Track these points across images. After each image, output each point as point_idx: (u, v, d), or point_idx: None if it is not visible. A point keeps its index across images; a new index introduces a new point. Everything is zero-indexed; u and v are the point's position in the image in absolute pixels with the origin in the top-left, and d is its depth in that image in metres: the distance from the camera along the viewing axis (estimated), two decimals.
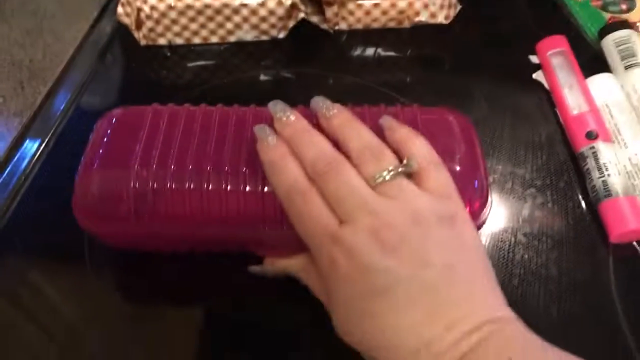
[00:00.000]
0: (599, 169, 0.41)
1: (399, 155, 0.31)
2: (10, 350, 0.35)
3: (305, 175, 0.30)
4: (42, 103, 0.49)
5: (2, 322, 0.37)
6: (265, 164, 0.31)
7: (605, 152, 0.41)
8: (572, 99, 0.46)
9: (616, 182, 0.40)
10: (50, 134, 0.47)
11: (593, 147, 0.42)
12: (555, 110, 0.47)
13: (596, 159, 0.41)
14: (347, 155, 0.30)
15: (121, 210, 0.32)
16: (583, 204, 0.42)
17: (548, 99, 0.48)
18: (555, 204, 0.42)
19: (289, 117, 0.32)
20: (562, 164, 0.44)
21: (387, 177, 0.29)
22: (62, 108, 0.49)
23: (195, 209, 0.32)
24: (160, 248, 0.37)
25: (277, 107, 0.33)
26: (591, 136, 0.43)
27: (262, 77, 0.52)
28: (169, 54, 0.54)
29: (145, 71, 0.53)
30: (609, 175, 0.40)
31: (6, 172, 0.44)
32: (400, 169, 0.29)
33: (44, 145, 0.46)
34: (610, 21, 0.52)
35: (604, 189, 0.40)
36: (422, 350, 0.26)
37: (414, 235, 0.27)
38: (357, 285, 0.27)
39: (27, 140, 0.46)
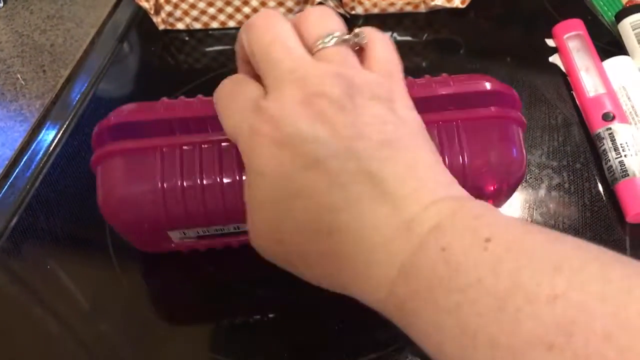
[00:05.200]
0: (616, 149, 0.41)
1: None
2: (27, 341, 0.36)
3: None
4: (62, 86, 0.50)
5: (20, 309, 0.37)
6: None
7: (622, 132, 0.41)
8: (588, 82, 0.46)
9: (633, 162, 0.40)
10: (70, 117, 0.47)
11: (610, 129, 0.42)
12: (571, 93, 0.47)
13: (613, 140, 0.41)
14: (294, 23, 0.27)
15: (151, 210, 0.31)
16: (599, 184, 0.42)
17: (565, 82, 0.48)
18: (572, 185, 0.42)
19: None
20: (579, 146, 0.44)
21: (330, 43, 0.25)
22: (82, 91, 0.49)
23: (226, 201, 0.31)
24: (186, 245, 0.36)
25: None
26: (608, 117, 0.43)
27: None
28: (187, 38, 0.54)
29: (163, 55, 0.54)
30: (625, 155, 0.40)
31: (28, 153, 0.45)
32: (346, 37, 0.26)
33: (64, 127, 0.47)
34: (627, 4, 0.52)
35: (621, 169, 0.40)
36: (369, 232, 0.22)
37: (347, 107, 0.23)
38: (283, 157, 0.23)
39: (48, 123, 0.47)
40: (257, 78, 0.27)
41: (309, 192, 0.23)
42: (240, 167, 0.31)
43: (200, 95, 0.33)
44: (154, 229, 0.32)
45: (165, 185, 0.30)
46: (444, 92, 0.32)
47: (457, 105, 0.32)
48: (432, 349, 0.21)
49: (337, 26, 0.26)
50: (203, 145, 0.31)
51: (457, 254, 0.20)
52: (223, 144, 0.31)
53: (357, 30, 0.27)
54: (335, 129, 0.23)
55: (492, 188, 0.33)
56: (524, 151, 0.33)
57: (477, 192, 0.28)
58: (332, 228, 0.23)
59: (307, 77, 0.24)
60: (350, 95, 0.24)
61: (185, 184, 0.31)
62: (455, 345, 0.20)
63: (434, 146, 0.25)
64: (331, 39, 0.25)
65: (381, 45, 0.27)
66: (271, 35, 0.25)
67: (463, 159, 0.31)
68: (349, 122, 0.23)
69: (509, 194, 0.35)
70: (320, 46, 0.25)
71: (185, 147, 0.31)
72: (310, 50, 0.25)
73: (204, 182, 0.31)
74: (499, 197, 0.34)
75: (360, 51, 0.27)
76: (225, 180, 0.31)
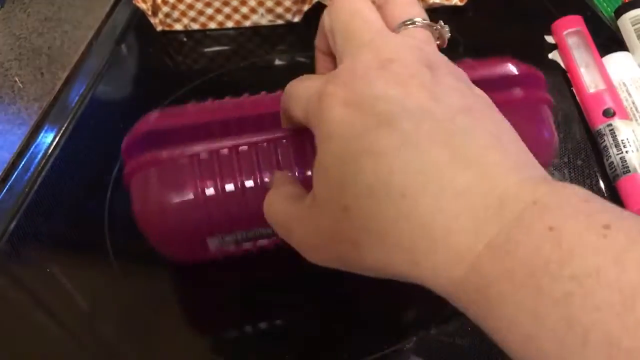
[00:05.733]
0: (617, 145, 0.41)
1: None
2: (27, 344, 0.35)
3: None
4: (61, 89, 0.49)
5: (19, 311, 0.37)
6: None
7: (622, 129, 0.41)
8: (588, 78, 0.46)
9: (634, 158, 0.40)
10: (68, 120, 0.47)
11: (610, 125, 0.42)
12: (571, 90, 0.47)
13: (614, 136, 0.41)
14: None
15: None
16: (601, 181, 0.42)
17: (564, 79, 0.48)
18: (573, 182, 0.41)
19: None
20: (579, 142, 0.44)
21: (413, 26, 0.25)
22: (80, 93, 0.49)
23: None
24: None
25: None
26: (608, 114, 0.42)
27: (277, 62, 0.53)
28: (185, 39, 0.54)
29: (161, 57, 0.53)
30: (627, 151, 0.40)
31: (26, 157, 0.45)
32: (430, 22, 0.25)
33: (63, 130, 0.46)
34: (626, 0, 0.52)
35: (622, 165, 0.40)
36: (449, 197, 0.19)
37: (424, 75, 0.22)
38: (354, 116, 0.22)
39: (47, 125, 0.47)
40: None
41: (379, 150, 0.21)
42: (279, 165, 0.30)
43: (228, 97, 0.33)
44: (194, 238, 0.32)
45: (204, 192, 0.30)
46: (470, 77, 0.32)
47: (484, 89, 0.32)
48: (516, 344, 0.18)
49: (422, 14, 0.26)
50: (240, 148, 0.30)
51: (570, 237, 0.17)
52: (260, 144, 0.31)
53: (441, 22, 0.26)
54: (410, 91, 0.21)
55: None
56: (554, 131, 0.32)
57: None
58: (405, 189, 0.20)
59: (386, 45, 0.23)
60: (429, 66, 0.23)
61: (224, 188, 0.30)
62: (556, 340, 0.17)
63: (511, 126, 0.23)
64: (416, 23, 0.25)
65: None
66: (352, 10, 0.25)
67: None
68: (426, 86, 0.21)
69: None
70: (402, 28, 0.25)
71: (221, 151, 0.30)
72: (390, 25, 0.25)
73: (244, 184, 0.30)
74: None
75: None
76: (265, 180, 0.30)
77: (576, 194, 0.19)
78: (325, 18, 0.27)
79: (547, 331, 0.17)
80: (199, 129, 0.31)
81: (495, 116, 0.23)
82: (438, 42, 0.26)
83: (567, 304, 0.17)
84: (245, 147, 0.30)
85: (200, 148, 0.30)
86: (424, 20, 0.25)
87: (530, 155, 0.22)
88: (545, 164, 0.32)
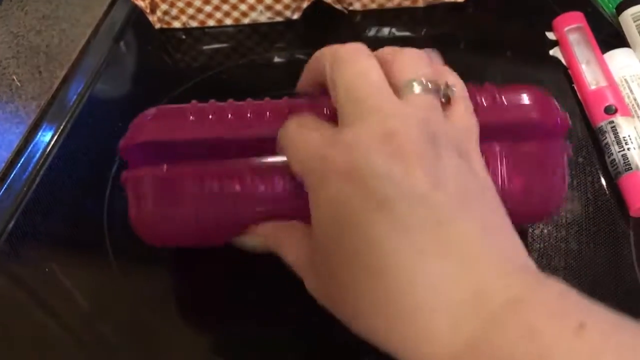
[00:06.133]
0: (619, 142, 0.40)
1: None
2: (26, 343, 0.35)
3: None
4: (59, 87, 0.49)
5: (19, 312, 0.36)
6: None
7: (624, 126, 0.41)
8: (589, 74, 0.46)
9: (636, 155, 0.39)
10: (67, 118, 0.47)
11: (612, 122, 0.42)
12: (573, 86, 0.47)
13: (615, 133, 0.41)
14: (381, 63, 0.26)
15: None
16: (602, 179, 0.41)
17: (565, 75, 0.48)
18: (575, 179, 0.41)
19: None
20: (581, 140, 0.44)
21: (418, 90, 0.24)
22: (78, 91, 0.49)
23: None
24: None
25: None
26: (610, 111, 0.42)
27: (277, 59, 0.52)
28: (183, 37, 0.54)
29: (159, 55, 0.53)
30: (629, 149, 0.40)
31: (24, 155, 0.44)
32: (436, 86, 0.25)
33: (61, 128, 0.46)
34: None
35: (624, 162, 0.39)
36: (428, 289, 0.20)
37: (427, 152, 0.22)
38: (350, 189, 0.22)
39: (45, 124, 0.47)
40: (320, 109, 0.27)
41: (367, 229, 0.21)
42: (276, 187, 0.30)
43: (231, 100, 0.32)
44: (188, 242, 0.33)
45: (199, 207, 0.30)
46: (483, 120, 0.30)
47: (496, 135, 0.30)
48: None
49: (428, 71, 0.25)
50: (238, 169, 0.30)
51: (547, 337, 0.18)
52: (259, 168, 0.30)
53: (449, 82, 0.27)
54: (410, 170, 0.22)
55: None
56: (566, 181, 0.32)
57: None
58: (384, 268, 0.21)
59: (391, 116, 0.23)
60: (432, 141, 0.23)
61: (220, 203, 0.30)
62: None
63: (505, 210, 0.24)
64: (421, 86, 0.25)
65: (466, 103, 0.27)
66: (357, 69, 0.24)
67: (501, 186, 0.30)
68: (427, 166, 0.22)
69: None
70: (410, 91, 0.24)
71: (219, 176, 0.30)
72: (398, 92, 0.25)
73: (240, 201, 0.30)
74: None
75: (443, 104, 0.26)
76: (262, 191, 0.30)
77: (552, 290, 0.20)
78: (327, 68, 0.26)
79: None
80: (198, 145, 0.30)
81: (488, 203, 0.23)
82: (443, 99, 0.26)
83: None
84: (243, 168, 0.30)
85: (198, 171, 0.30)
86: (430, 81, 0.25)
87: (518, 242, 0.23)
88: (550, 213, 0.32)
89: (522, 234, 0.38)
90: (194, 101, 0.32)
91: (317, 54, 0.28)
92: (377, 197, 0.21)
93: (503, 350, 0.18)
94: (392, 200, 0.21)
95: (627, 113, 0.42)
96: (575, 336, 0.18)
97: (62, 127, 0.46)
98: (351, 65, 0.25)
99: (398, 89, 0.25)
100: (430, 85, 0.25)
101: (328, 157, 0.23)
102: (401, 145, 0.22)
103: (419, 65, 0.26)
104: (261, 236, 0.30)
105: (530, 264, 0.22)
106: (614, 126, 0.41)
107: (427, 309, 0.20)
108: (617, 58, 0.46)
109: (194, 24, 0.54)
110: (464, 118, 0.26)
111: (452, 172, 0.22)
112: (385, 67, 0.25)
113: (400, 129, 0.22)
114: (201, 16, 0.53)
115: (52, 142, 0.45)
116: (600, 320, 0.19)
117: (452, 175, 0.22)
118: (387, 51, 0.26)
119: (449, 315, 0.20)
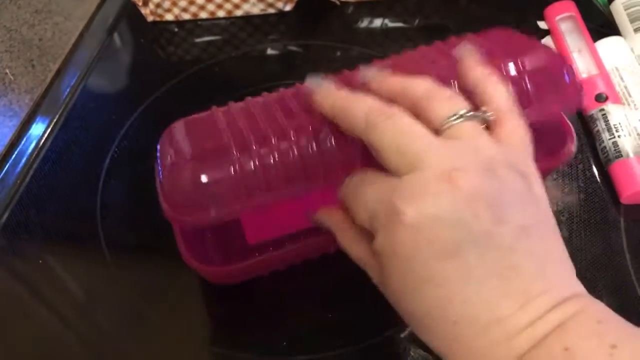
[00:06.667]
0: (609, 130, 0.41)
1: (471, 100, 0.27)
2: (21, 334, 0.36)
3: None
4: (52, 80, 0.49)
5: (13, 303, 0.37)
6: (329, 110, 0.28)
7: (615, 113, 0.41)
8: (581, 63, 0.46)
9: (626, 142, 0.40)
10: (60, 111, 0.47)
11: (603, 110, 0.42)
12: None
13: (606, 120, 0.41)
14: (408, 105, 0.26)
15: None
16: (594, 166, 0.42)
17: None
18: (566, 167, 0.41)
19: (329, 86, 0.28)
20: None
21: (456, 122, 0.25)
22: (72, 84, 0.49)
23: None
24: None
25: (315, 81, 0.29)
26: (601, 98, 0.42)
27: (270, 51, 0.52)
28: (176, 29, 0.54)
29: (152, 47, 0.53)
30: (619, 136, 0.40)
31: (18, 149, 0.45)
32: (472, 113, 0.25)
33: (54, 121, 0.46)
34: None
35: (615, 150, 0.40)
36: (494, 326, 0.22)
37: (488, 185, 0.23)
38: (420, 241, 0.23)
39: (38, 117, 0.47)
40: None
41: (441, 281, 0.23)
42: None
43: (248, 98, 0.32)
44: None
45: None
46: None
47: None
48: None
49: (463, 104, 0.26)
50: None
51: (582, 356, 0.21)
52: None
53: (483, 107, 0.26)
54: (476, 212, 0.23)
55: None
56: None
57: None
58: (458, 318, 0.23)
59: (443, 153, 0.24)
60: (490, 168, 0.23)
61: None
62: None
63: (559, 232, 0.25)
64: (459, 117, 0.25)
65: (512, 117, 0.26)
66: (397, 127, 0.25)
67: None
68: (491, 203, 0.23)
69: None
70: (446, 125, 0.25)
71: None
72: (438, 130, 0.25)
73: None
74: None
75: (487, 127, 0.26)
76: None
77: (594, 314, 0.23)
78: (362, 131, 0.26)
79: None
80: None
81: (548, 230, 0.25)
82: (483, 126, 0.26)
83: None
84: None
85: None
86: (463, 113, 0.25)
87: (570, 267, 0.25)
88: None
89: None
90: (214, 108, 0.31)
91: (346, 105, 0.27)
92: (447, 246, 0.23)
93: None
94: (462, 247, 0.23)
95: (617, 101, 0.42)
96: (607, 355, 0.21)
97: (55, 120, 0.46)
98: (390, 127, 0.25)
99: (437, 128, 0.25)
100: (466, 116, 0.25)
101: (396, 209, 0.23)
102: (464, 184, 0.23)
103: (452, 101, 0.26)
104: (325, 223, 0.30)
105: (580, 289, 0.24)
106: (605, 114, 0.41)
107: (490, 341, 0.23)
108: (608, 46, 0.46)
109: (186, 16, 0.54)
110: (513, 134, 0.26)
111: (514, 200, 0.23)
112: (422, 114, 0.26)
113: (457, 163, 0.23)
114: (193, 8, 0.53)
115: (46, 135, 0.45)
116: (631, 341, 0.21)
117: (515, 204, 0.23)
118: (420, 94, 0.26)
119: (507, 344, 0.22)
